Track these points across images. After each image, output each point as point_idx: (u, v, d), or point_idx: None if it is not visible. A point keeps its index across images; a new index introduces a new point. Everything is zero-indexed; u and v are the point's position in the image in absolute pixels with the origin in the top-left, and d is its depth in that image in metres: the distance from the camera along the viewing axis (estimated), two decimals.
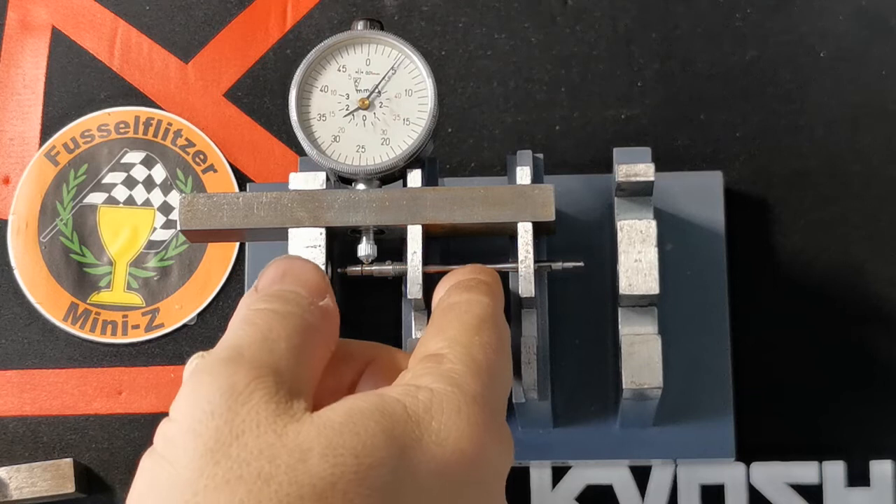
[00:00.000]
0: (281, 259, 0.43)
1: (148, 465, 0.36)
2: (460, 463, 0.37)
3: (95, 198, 0.64)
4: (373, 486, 0.35)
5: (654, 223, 0.51)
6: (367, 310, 0.58)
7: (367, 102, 0.51)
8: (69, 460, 0.59)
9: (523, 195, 0.49)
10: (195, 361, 0.43)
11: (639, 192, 0.53)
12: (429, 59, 0.51)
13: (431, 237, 0.51)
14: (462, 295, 0.44)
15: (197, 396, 0.36)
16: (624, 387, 0.51)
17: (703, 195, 0.59)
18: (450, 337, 0.41)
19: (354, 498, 0.34)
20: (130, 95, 0.66)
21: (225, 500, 0.34)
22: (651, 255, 0.51)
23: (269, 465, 0.34)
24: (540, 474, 0.59)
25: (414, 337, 0.51)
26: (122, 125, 0.65)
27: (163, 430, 0.37)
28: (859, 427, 0.58)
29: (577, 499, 0.59)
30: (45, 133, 0.65)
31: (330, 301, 0.42)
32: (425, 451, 0.36)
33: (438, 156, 0.57)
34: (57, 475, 0.59)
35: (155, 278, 0.63)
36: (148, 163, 0.64)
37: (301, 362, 0.39)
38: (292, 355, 0.38)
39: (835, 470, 0.58)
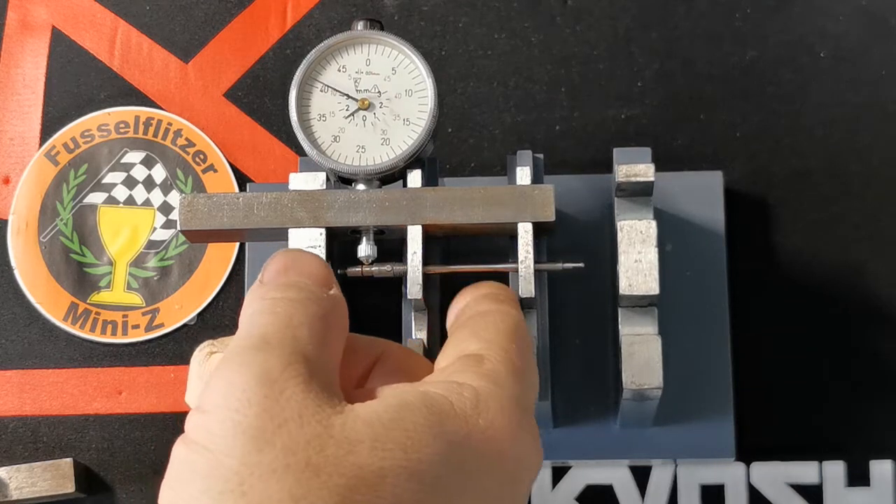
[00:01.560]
0: (283, 252, 0.43)
1: (183, 454, 0.36)
2: (502, 461, 0.38)
3: (95, 198, 0.64)
4: (421, 480, 0.35)
5: (654, 223, 0.51)
6: (367, 310, 0.58)
7: (367, 102, 0.51)
8: (69, 460, 0.59)
9: (523, 195, 0.49)
10: (207, 349, 0.43)
11: (639, 193, 0.53)
12: (429, 59, 0.51)
13: (431, 237, 0.51)
14: (493, 305, 0.45)
15: (230, 385, 0.36)
16: (624, 387, 0.51)
17: (703, 195, 0.59)
18: (488, 340, 0.42)
19: (403, 493, 0.35)
20: (130, 95, 0.66)
21: (274, 489, 0.34)
22: (651, 255, 0.51)
23: (318, 455, 0.34)
24: (540, 474, 0.59)
25: (414, 337, 0.51)
26: (122, 125, 0.65)
27: (195, 421, 0.36)
28: (859, 427, 0.58)
29: (577, 499, 0.59)
30: (45, 133, 0.65)
31: (337, 291, 0.42)
32: (471, 448, 0.37)
33: (438, 156, 0.57)
34: (57, 475, 0.59)
35: (155, 278, 0.63)
36: (148, 163, 0.64)
37: (325, 350, 0.39)
38: (317, 343, 0.38)
39: (835, 470, 0.58)
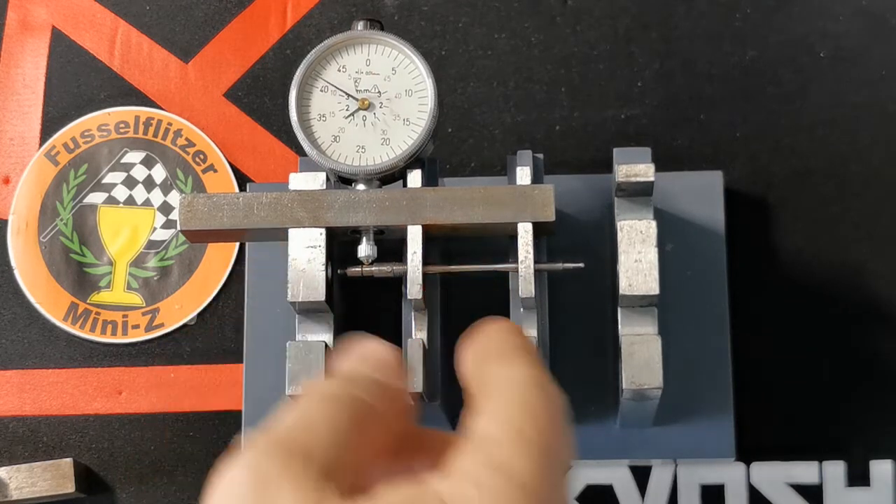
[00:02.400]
0: (357, 343, 0.41)
1: None
2: None
3: (95, 198, 0.64)
4: None
5: (654, 223, 0.51)
6: (367, 310, 0.58)
7: (367, 103, 0.51)
8: (69, 460, 0.59)
9: (523, 195, 0.49)
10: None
11: (639, 193, 0.53)
12: (429, 59, 0.51)
13: (431, 237, 0.51)
14: (503, 369, 0.40)
15: (230, 483, 0.37)
16: (624, 387, 0.51)
17: (703, 195, 0.59)
18: (500, 419, 0.38)
19: None
20: (130, 95, 0.66)
21: None
22: (651, 255, 0.51)
23: None
24: None
25: (414, 337, 0.51)
26: (122, 125, 0.65)
27: None
28: (859, 427, 0.58)
29: (578, 499, 0.59)
30: (45, 133, 0.65)
31: (401, 383, 0.40)
32: None
33: (438, 156, 0.57)
34: (57, 475, 0.59)
35: (155, 278, 0.63)
36: (148, 163, 0.64)
37: (340, 443, 0.38)
38: (330, 437, 0.38)
39: (835, 470, 0.58)
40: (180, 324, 0.62)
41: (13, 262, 0.63)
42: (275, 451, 0.38)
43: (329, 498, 0.36)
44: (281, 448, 0.38)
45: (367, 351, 0.41)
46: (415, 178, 0.51)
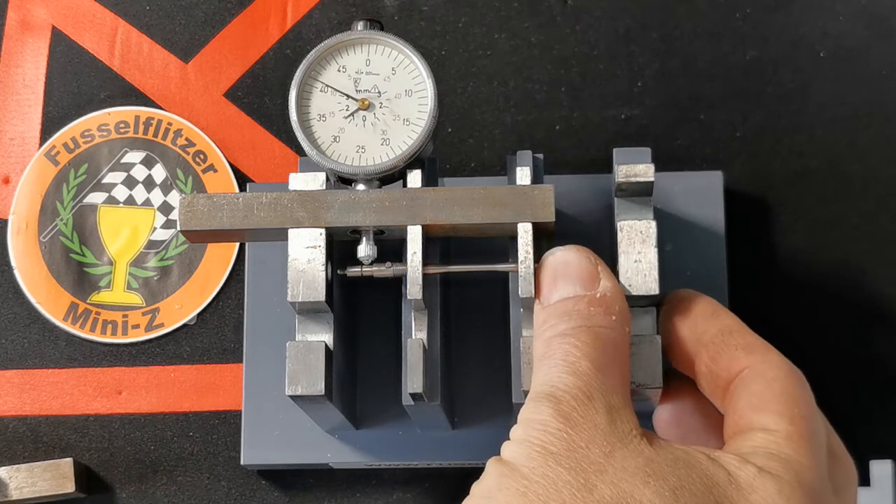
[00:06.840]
0: (549, 256, 0.48)
1: (494, 469, 0.41)
2: None
3: (95, 198, 0.64)
4: None
5: (653, 223, 0.51)
6: (367, 310, 0.58)
7: (367, 103, 0.51)
8: (69, 460, 0.59)
9: (523, 195, 0.49)
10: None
11: (639, 193, 0.53)
12: (429, 59, 0.51)
13: (431, 237, 0.51)
14: (753, 357, 0.47)
15: (532, 423, 0.42)
16: None
17: (703, 195, 0.59)
18: (786, 417, 0.44)
19: None
20: (130, 95, 0.66)
21: (553, 497, 0.40)
22: (651, 255, 0.51)
23: (597, 477, 0.40)
24: None
25: (414, 337, 0.51)
26: (122, 125, 0.65)
27: (507, 446, 0.43)
28: (859, 427, 0.58)
29: None
30: (45, 133, 0.65)
31: (607, 282, 0.47)
32: None
33: (438, 156, 0.57)
34: (57, 475, 0.59)
35: (155, 278, 0.63)
36: (148, 163, 0.64)
37: (607, 375, 0.43)
38: (597, 372, 0.43)
39: None
40: (180, 324, 0.62)
41: (13, 262, 0.63)
42: (557, 399, 0.43)
43: (623, 433, 0.42)
44: (563, 395, 0.43)
45: (558, 268, 0.48)
46: (415, 178, 0.51)
